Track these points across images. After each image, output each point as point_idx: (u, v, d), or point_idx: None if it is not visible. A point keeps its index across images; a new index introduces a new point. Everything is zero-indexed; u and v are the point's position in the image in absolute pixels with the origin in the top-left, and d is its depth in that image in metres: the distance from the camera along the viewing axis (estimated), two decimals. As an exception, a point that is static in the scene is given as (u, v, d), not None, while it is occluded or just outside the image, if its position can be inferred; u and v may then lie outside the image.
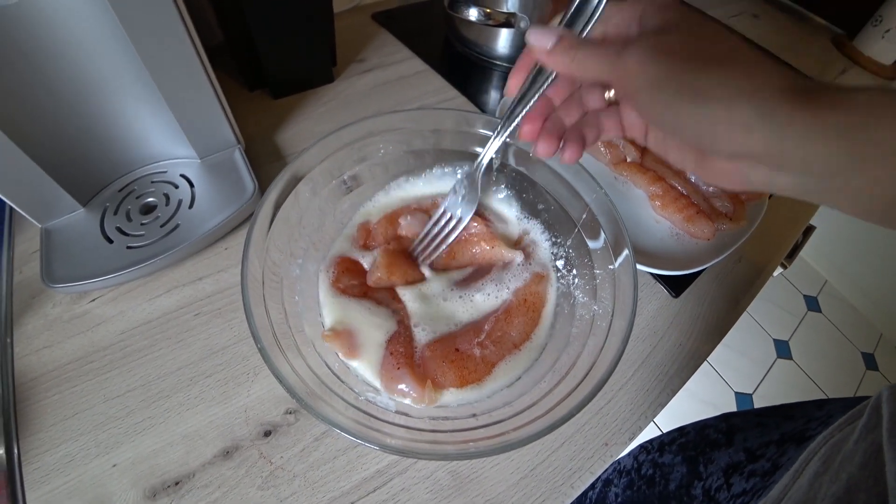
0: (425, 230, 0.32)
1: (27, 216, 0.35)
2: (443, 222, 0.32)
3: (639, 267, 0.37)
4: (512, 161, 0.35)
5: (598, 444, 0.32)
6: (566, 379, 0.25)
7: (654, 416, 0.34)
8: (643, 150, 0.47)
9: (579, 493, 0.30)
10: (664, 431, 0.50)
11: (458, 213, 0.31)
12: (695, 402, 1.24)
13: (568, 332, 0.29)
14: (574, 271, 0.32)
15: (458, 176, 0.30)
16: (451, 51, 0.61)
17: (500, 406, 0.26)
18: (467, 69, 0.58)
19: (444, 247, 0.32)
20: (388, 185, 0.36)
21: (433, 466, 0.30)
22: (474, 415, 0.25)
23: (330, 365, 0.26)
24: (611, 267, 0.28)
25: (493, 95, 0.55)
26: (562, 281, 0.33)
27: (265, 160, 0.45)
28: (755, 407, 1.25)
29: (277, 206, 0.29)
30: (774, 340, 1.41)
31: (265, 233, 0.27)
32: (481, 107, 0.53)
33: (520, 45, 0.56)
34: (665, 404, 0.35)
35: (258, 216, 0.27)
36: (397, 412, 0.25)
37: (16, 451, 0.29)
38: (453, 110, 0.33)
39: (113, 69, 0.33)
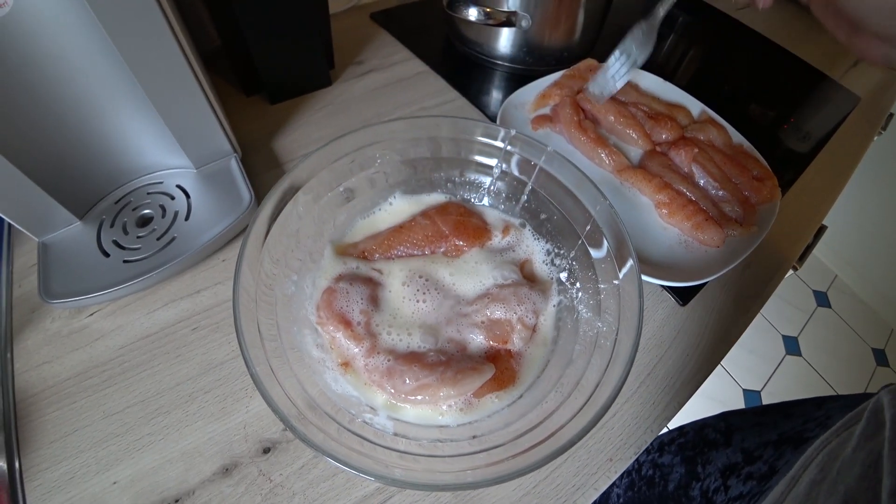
0: (604, 68, 0.39)
1: (24, 230, 0.34)
2: (618, 64, 0.38)
3: (647, 279, 0.36)
4: (512, 169, 0.34)
5: (603, 460, 0.31)
6: (569, 401, 0.24)
7: (660, 430, 0.33)
8: (649, 154, 0.46)
9: (583, 510, 0.30)
10: (666, 431, 0.50)
11: (634, 55, 0.38)
12: (703, 400, 1.23)
13: (571, 349, 0.28)
14: (578, 284, 0.31)
15: (636, 27, 0.38)
16: (452, 51, 0.59)
17: (500, 427, 0.25)
18: (468, 70, 0.57)
19: (619, 84, 0.39)
20: (381, 202, 0.35)
21: (434, 484, 0.29)
22: (474, 436, 0.25)
23: (325, 385, 0.26)
24: (615, 282, 0.27)
25: (495, 96, 0.54)
26: (565, 294, 0.32)
27: (262, 168, 0.44)
28: (763, 405, 1.24)
29: (273, 219, 0.28)
30: (783, 336, 1.39)
31: (260, 246, 0.27)
32: (482, 109, 0.52)
33: (522, 45, 0.54)
34: (671, 417, 0.34)
35: (252, 230, 0.26)
36: (395, 434, 0.25)
37: (17, 467, 0.29)
38: (452, 117, 0.32)
39: (103, 81, 0.32)
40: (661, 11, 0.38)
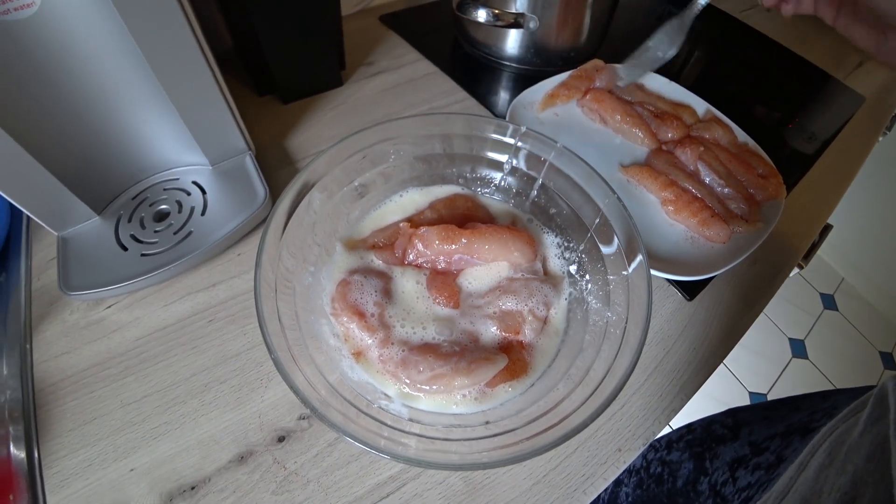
0: (633, 58, 0.45)
1: (44, 225, 0.35)
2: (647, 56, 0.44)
3: (653, 272, 0.37)
4: (523, 165, 0.34)
5: (612, 450, 0.32)
6: (579, 387, 0.25)
7: (669, 421, 0.34)
8: (655, 153, 0.47)
9: (592, 498, 0.30)
10: (674, 429, 0.50)
11: (664, 51, 0.43)
12: (709, 402, 1.23)
13: (581, 339, 0.28)
14: (587, 276, 0.31)
15: (669, 21, 0.42)
16: (460, 52, 0.60)
17: (512, 414, 0.26)
18: (476, 70, 0.58)
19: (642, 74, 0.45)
20: (392, 195, 0.36)
21: (446, 472, 0.30)
22: (487, 422, 0.25)
23: (342, 373, 0.27)
24: (624, 273, 0.28)
25: (503, 97, 0.55)
26: (575, 286, 0.32)
27: (276, 166, 0.45)
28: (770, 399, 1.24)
29: (290, 213, 0.29)
30: (790, 339, 1.38)
31: (278, 239, 0.28)
32: (491, 108, 0.53)
33: (529, 46, 0.55)
34: (679, 409, 0.34)
35: (271, 223, 0.27)
36: (410, 420, 0.25)
37: (36, 455, 0.30)
38: (464, 114, 0.33)
39: (124, 79, 0.33)
40: (697, 9, 0.41)
